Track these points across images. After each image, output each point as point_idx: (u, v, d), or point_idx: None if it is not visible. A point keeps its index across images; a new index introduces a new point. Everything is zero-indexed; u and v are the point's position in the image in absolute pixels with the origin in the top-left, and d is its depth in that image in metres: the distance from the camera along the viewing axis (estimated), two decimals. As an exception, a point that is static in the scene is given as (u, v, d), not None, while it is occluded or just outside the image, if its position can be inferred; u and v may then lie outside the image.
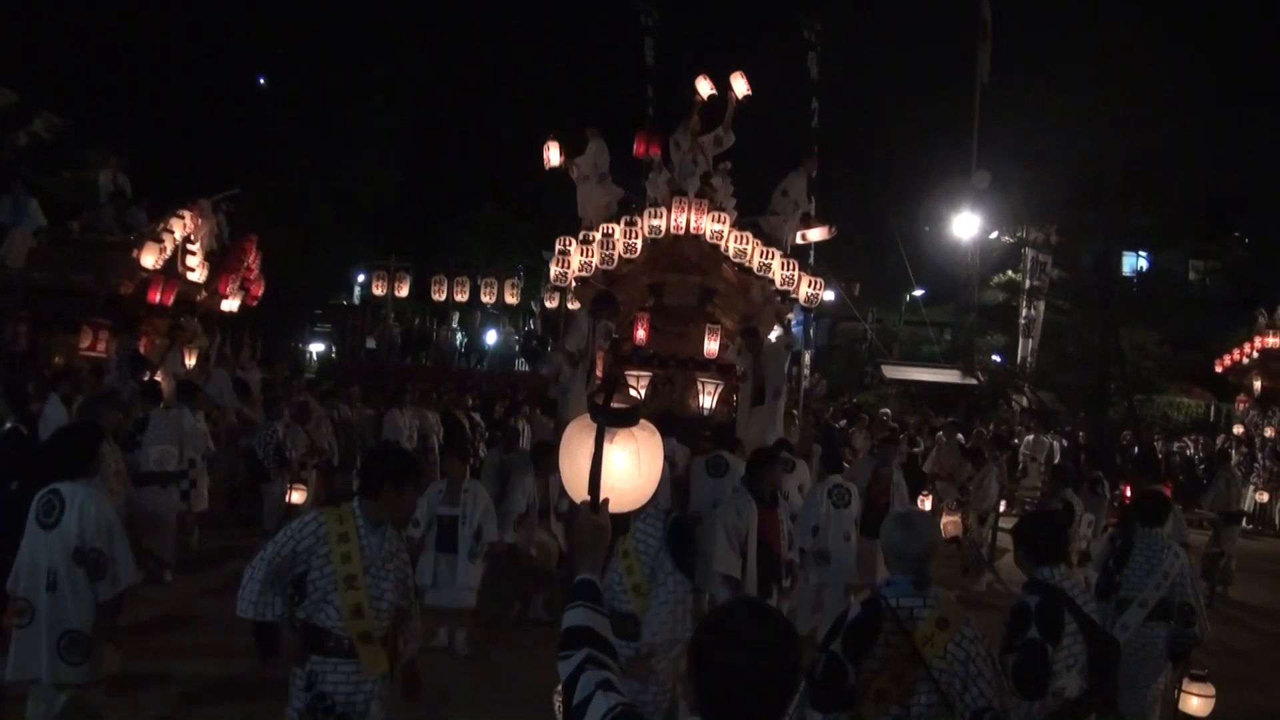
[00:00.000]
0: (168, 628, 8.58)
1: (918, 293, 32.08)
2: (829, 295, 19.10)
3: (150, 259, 15.25)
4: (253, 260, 18.37)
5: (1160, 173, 23.33)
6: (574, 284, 13.01)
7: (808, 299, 13.04)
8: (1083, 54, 23.32)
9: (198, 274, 16.79)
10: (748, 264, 12.65)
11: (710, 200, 12.64)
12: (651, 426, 2.80)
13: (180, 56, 26.20)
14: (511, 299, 24.98)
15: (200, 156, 23.78)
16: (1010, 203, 27.07)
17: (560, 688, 2.38)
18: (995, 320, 30.34)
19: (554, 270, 13.00)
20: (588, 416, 2.73)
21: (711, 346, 12.62)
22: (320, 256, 27.70)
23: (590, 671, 2.32)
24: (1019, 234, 28.83)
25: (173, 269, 15.93)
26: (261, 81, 31.34)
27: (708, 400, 12.48)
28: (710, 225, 12.43)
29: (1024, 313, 28.56)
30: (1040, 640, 4.22)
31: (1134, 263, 35.87)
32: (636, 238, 12.48)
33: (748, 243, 12.56)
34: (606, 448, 2.68)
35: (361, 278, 30.77)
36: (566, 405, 10.63)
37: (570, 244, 12.96)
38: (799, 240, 14.40)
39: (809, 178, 14.19)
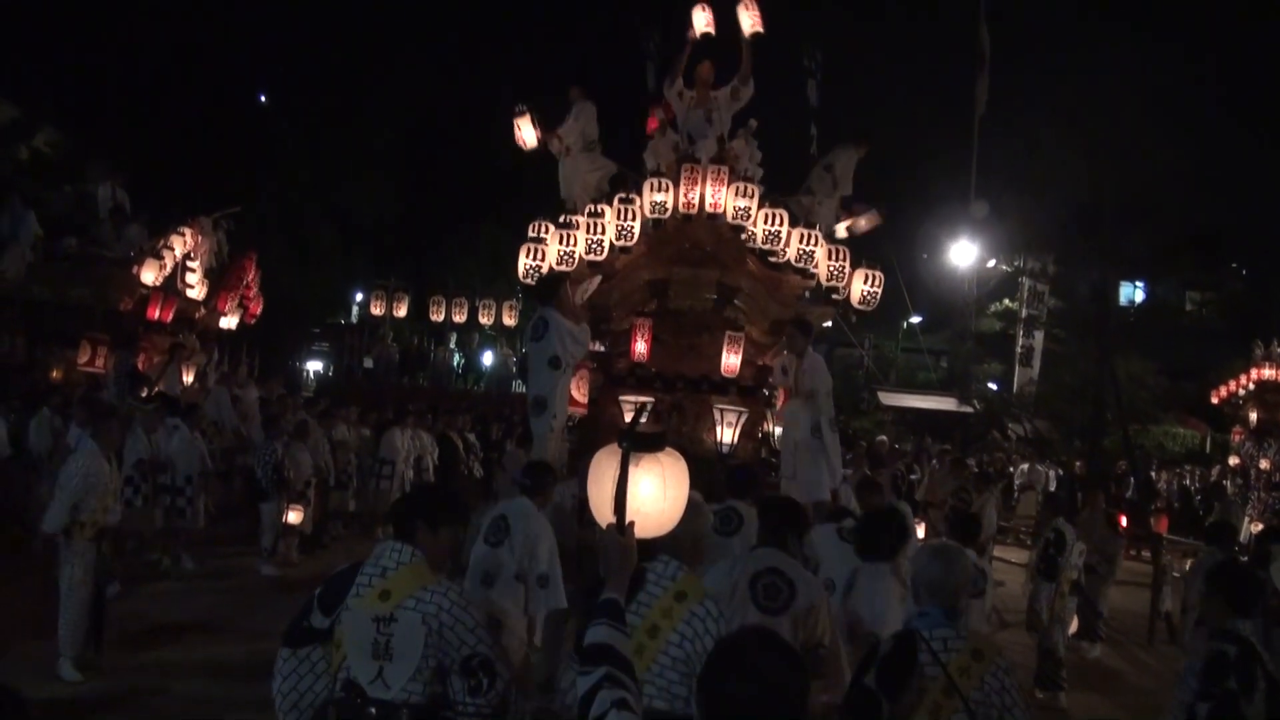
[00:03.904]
0: (160, 643, 8.56)
1: (915, 320, 32.13)
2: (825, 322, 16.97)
3: (150, 275, 15.26)
4: (252, 278, 18.39)
5: (1157, 203, 23.41)
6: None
7: (862, 299, 10.17)
8: (1080, 84, 23.44)
9: (197, 291, 16.80)
10: (780, 254, 9.86)
11: (731, 169, 9.80)
12: (676, 453, 2.81)
13: (181, 74, 26.26)
14: (510, 320, 24.99)
15: (200, 174, 23.82)
16: (1007, 231, 27.16)
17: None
18: (992, 349, 30.37)
19: (524, 263, 9.93)
20: (614, 444, 2.74)
21: (731, 361, 9.73)
22: (319, 275, 27.71)
23: (607, 690, 2.34)
24: (1016, 263, 28.90)
25: (172, 286, 15.94)
26: (262, 99, 31.46)
27: (728, 433, 9.39)
28: (732, 201, 9.57)
29: (1021, 341, 28.60)
30: (1236, 693, 4.18)
31: (1130, 293, 35.95)
32: (634, 219, 9.66)
33: (781, 223, 9.67)
34: (632, 472, 2.70)
35: (360, 297, 30.83)
36: (546, 447, 8.19)
37: (547, 230, 10.10)
38: (842, 233, 11.21)
39: (860, 159, 11.21)
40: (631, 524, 2.72)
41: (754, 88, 10.59)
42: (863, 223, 11.29)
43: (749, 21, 10.46)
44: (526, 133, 10.75)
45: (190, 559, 11.50)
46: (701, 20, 10.61)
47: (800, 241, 9.76)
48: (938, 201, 29.28)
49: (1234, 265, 36.25)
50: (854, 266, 10.10)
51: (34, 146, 22.14)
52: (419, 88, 29.26)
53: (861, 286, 10.13)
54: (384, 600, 3.65)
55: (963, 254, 28.48)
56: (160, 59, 26.28)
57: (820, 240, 9.88)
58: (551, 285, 8.79)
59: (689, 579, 3.75)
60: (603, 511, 2.76)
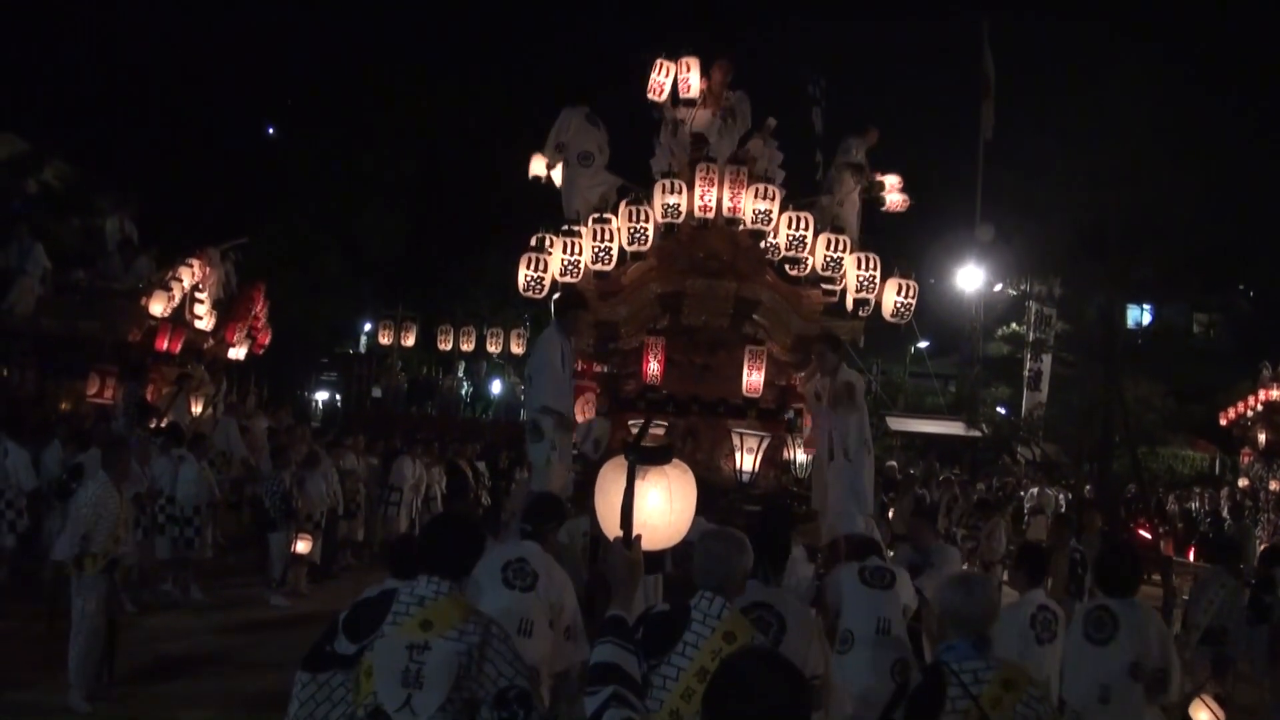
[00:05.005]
0: (169, 674, 8.55)
1: (922, 345, 32.10)
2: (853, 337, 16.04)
3: (159, 307, 15.34)
4: (260, 309, 18.46)
5: (1162, 225, 23.40)
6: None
7: (895, 311, 9.24)
8: (1085, 107, 23.50)
9: (205, 322, 16.87)
10: (803, 263, 9.11)
11: (750, 171, 9.00)
12: (684, 465, 2.81)
13: (190, 106, 26.44)
14: (517, 349, 25.01)
15: (209, 205, 23.95)
16: (1014, 255, 27.17)
17: None
18: (1000, 372, 30.34)
19: (524, 274, 9.08)
20: (620, 457, 2.75)
21: (754, 380, 8.83)
22: (327, 305, 27.77)
23: (614, 709, 2.34)
24: (1023, 286, 28.88)
25: (180, 317, 16.01)
26: (270, 131, 31.65)
27: (748, 460, 8.50)
28: (752, 204, 8.77)
29: (1028, 365, 28.56)
30: None
31: (1137, 315, 35.91)
32: (646, 223, 8.84)
33: (806, 228, 8.87)
34: (639, 485, 2.70)
35: (368, 327, 30.91)
36: (549, 477, 7.39)
37: (550, 240, 9.31)
38: (893, 206, 10.41)
39: (871, 147, 10.27)
40: (639, 537, 2.72)
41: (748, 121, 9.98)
42: (892, 198, 10.38)
43: (696, 81, 9.95)
44: (539, 166, 10.33)
45: (199, 590, 11.49)
46: (660, 80, 10.01)
47: (827, 248, 8.98)
48: (944, 226, 29.32)
49: (1241, 287, 36.23)
50: (885, 276, 9.16)
51: (42, 179, 22.27)
52: (426, 119, 29.41)
53: (894, 298, 9.18)
54: (424, 629, 3.56)
55: (969, 278, 28.52)
56: (168, 91, 26.48)
57: (849, 246, 9.09)
58: (568, 303, 7.93)
59: (736, 619, 3.56)
60: (610, 525, 2.77)
